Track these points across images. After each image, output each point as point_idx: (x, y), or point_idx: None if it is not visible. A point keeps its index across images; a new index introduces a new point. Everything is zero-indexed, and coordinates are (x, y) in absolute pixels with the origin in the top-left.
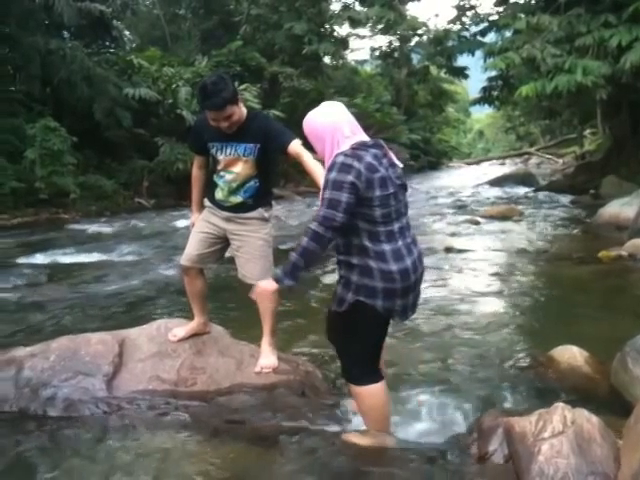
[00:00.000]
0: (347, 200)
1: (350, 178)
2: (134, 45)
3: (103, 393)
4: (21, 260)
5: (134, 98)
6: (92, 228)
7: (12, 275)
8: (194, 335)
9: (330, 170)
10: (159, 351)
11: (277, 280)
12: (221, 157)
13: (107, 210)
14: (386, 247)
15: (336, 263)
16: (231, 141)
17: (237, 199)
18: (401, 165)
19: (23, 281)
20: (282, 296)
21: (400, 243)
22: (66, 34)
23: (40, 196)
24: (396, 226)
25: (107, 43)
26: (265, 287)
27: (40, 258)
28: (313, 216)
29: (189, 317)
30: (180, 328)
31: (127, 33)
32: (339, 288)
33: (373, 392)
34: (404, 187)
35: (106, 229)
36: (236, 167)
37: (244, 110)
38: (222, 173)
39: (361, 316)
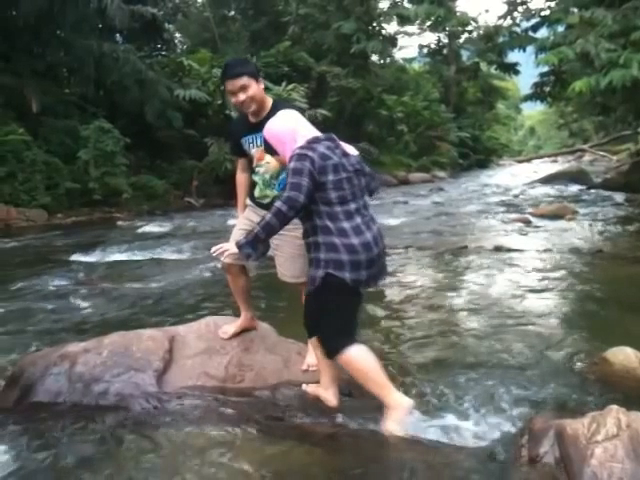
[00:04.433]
0: (307, 185)
1: (307, 165)
2: (185, 47)
3: (153, 388)
4: (75, 258)
5: (184, 99)
6: (144, 227)
7: (67, 272)
8: (243, 331)
9: (290, 161)
10: (208, 348)
11: (239, 247)
12: (254, 151)
13: (158, 209)
14: (346, 225)
15: (305, 248)
16: (259, 131)
17: (273, 192)
18: (356, 153)
19: (77, 278)
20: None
21: (359, 220)
22: (119, 37)
23: (94, 196)
24: (352, 206)
25: (159, 46)
26: (227, 247)
27: (94, 256)
28: (278, 196)
29: (236, 314)
30: (229, 325)
31: (178, 35)
32: (311, 270)
33: (354, 355)
34: (361, 172)
35: (157, 228)
36: (266, 157)
37: (268, 100)
38: (257, 169)
39: (332, 290)
